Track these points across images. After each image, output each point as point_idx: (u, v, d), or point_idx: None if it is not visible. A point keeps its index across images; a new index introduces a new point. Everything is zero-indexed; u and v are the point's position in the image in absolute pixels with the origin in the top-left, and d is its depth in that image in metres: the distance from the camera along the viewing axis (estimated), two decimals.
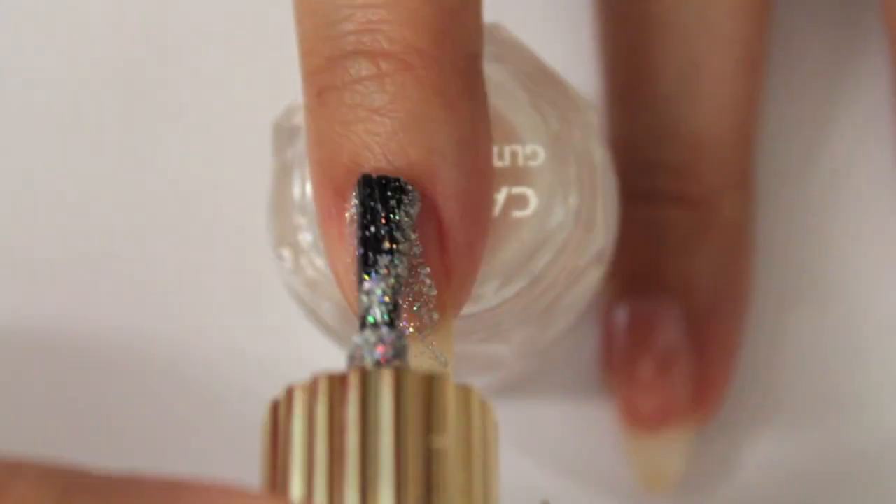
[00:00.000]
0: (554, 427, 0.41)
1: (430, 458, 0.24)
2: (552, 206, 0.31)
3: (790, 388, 0.40)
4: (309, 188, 0.31)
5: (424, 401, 0.24)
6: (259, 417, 0.40)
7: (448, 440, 0.24)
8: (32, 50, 0.43)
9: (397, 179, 0.26)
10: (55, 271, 0.41)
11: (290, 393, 0.25)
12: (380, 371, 0.24)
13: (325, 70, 0.27)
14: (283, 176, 0.32)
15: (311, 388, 0.24)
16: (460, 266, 0.27)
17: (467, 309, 0.30)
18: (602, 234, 0.31)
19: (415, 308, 0.27)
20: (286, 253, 0.32)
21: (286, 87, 0.32)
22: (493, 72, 0.30)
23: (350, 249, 0.27)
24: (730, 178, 0.39)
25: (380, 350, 0.26)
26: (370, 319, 0.26)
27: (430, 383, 0.24)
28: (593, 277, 0.32)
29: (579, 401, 0.41)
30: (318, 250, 0.31)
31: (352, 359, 0.26)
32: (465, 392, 0.25)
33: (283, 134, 0.32)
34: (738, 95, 0.39)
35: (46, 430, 0.41)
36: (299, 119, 0.32)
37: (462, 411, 0.24)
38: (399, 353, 0.26)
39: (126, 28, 0.42)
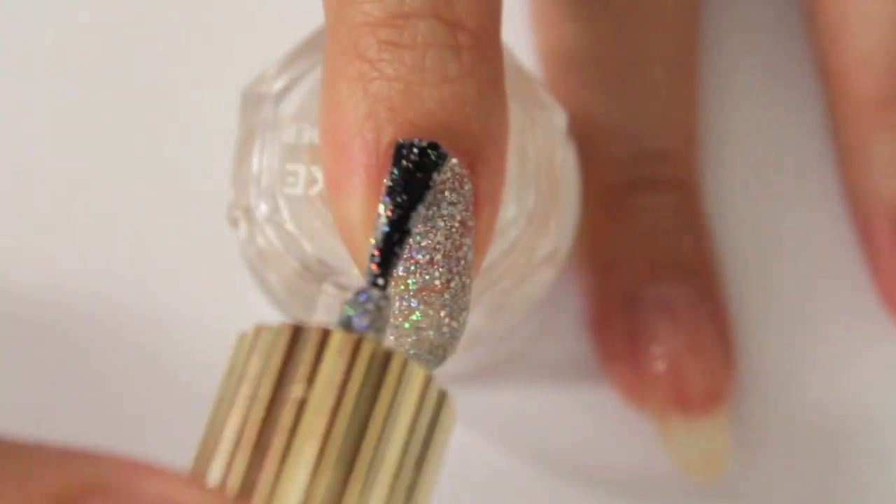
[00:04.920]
0: (534, 416, 0.41)
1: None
2: (506, 202, 0.31)
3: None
4: (267, 160, 0.31)
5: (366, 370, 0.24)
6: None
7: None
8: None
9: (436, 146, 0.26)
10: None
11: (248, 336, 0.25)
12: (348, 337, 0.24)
13: (388, 25, 0.27)
14: (245, 142, 0.32)
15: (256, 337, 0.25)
16: (486, 235, 0.28)
17: None
18: (555, 236, 0.31)
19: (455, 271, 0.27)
20: (241, 221, 0.32)
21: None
22: None
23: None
24: (699, 164, 0.40)
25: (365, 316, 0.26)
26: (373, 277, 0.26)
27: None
28: (545, 278, 0.32)
29: (558, 389, 0.41)
30: (271, 222, 0.31)
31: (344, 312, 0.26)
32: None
33: (250, 100, 0.32)
34: (698, 81, 0.40)
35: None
36: (267, 88, 0.32)
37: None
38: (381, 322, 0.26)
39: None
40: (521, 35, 0.40)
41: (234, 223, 0.32)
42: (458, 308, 0.27)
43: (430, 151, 0.26)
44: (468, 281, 0.27)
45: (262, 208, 0.31)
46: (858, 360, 0.41)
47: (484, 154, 0.27)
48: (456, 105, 0.27)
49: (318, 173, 0.31)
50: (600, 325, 0.39)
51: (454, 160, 0.27)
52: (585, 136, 0.35)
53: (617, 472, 0.40)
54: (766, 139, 0.41)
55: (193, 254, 0.41)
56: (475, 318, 0.33)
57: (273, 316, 0.34)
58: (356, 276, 0.31)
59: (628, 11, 0.38)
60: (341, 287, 0.31)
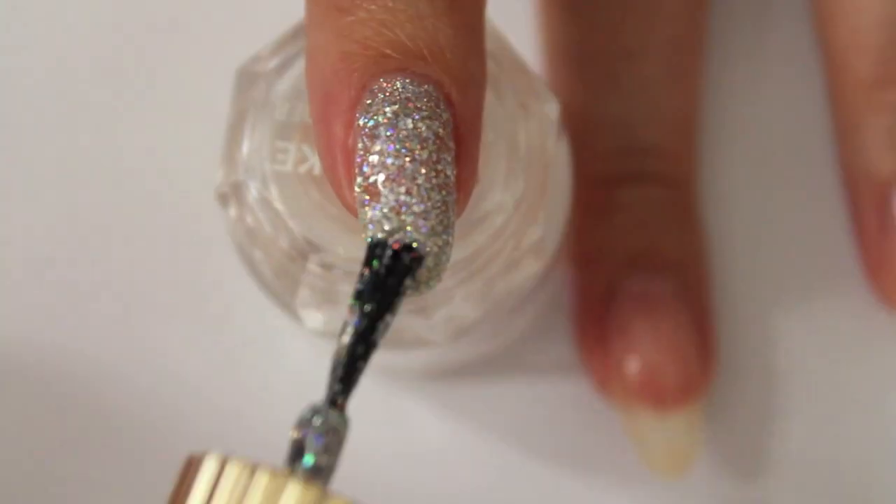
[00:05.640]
0: (530, 414, 0.40)
1: None
2: (493, 187, 0.31)
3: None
4: (258, 138, 0.31)
5: None
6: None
7: None
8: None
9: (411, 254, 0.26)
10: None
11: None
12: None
13: None
14: (238, 121, 0.32)
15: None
16: (469, 170, 0.28)
17: None
18: (543, 225, 0.31)
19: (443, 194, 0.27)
20: (230, 199, 0.32)
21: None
22: None
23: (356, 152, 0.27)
24: (695, 158, 0.40)
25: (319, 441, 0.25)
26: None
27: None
28: (530, 269, 0.32)
29: (550, 380, 0.40)
30: (259, 200, 0.31)
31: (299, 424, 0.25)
32: None
33: (244, 79, 0.32)
34: (702, 75, 0.40)
35: None
36: (261, 67, 0.32)
37: None
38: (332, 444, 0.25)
39: None
40: (522, 30, 0.40)
41: (223, 201, 0.32)
42: (441, 224, 0.26)
43: (403, 254, 0.26)
44: (450, 198, 0.27)
45: (252, 186, 0.31)
46: (855, 360, 0.40)
47: (458, 84, 0.27)
48: (427, 38, 0.27)
49: (309, 151, 0.31)
50: (578, 317, 0.39)
51: (428, 85, 0.27)
52: (576, 129, 0.35)
53: (614, 470, 0.40)
54: (766, 135, 0.41)
55: (184, 236, 0.41)
56: (460, 309, 0.33)
57: (259, 298, 0.34)
58: (342, 255, 0.31)
59: (624, 4, 0.38)
60: (326, 266, 0.31)
